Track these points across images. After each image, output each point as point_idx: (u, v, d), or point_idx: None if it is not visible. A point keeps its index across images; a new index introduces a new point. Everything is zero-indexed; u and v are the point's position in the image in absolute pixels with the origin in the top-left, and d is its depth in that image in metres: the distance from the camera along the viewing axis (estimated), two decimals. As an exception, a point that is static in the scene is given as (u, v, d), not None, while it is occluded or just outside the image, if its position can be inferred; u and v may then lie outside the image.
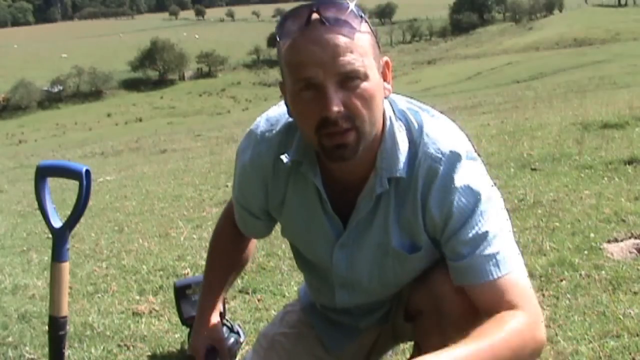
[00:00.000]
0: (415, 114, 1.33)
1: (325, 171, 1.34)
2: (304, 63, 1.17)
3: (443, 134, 1.31)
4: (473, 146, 1.35)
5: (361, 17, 1.20)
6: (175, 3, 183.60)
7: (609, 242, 2.97)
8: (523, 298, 1.26)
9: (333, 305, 1.52)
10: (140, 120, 56.54)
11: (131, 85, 79.27)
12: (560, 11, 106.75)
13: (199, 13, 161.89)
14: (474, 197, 1.27)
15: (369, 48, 1.21)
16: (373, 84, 1.21)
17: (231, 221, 1.61)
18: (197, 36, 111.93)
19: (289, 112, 1.30)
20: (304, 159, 1.34)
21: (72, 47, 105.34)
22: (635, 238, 2.99)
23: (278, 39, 1.22)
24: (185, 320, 2.25)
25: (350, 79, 1.18)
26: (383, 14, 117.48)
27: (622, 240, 2.97)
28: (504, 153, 5.54)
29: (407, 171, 1.29)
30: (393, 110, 1.33)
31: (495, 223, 1.28)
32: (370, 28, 1.23)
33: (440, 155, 1.28)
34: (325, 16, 1.17)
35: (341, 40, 1.17)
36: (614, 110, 7.39)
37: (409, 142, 1.30)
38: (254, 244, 1.73)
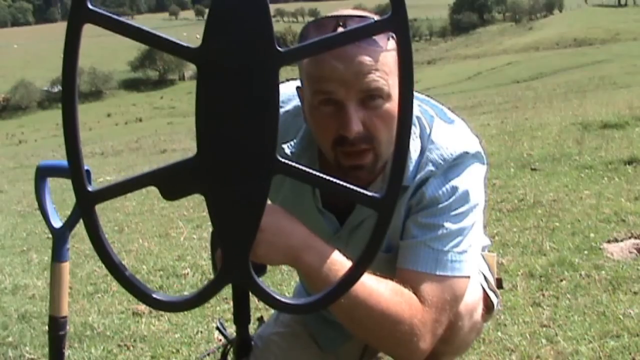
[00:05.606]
0: (430, 119, 1.29)
1: (326, 169, 1.29)
2: (326, 78, 1.13)
3: (449, 140, 1.27)
4: (483, 151, 1.32)
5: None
6: (175, 3, 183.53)
7: (609, 242, 2.97)
8: (437, 306, 1.18)
9: None
10: (140, 120, 56.51)
11: (131, 85, 79.34)
12: (560, 11, 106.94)
13: (199, 13, 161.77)
14: (451, 191, 1.23)
15: (394, 67, 1.12)
16: (395, 104, 1.16)
17: None
18: (197, 36, 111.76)
19: (305, 119, 1.26)
20: (304, 154, 1.31)
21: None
22: (635, 238, 2.99)
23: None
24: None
25: (372, 98, 1.13)
26: (383, 14, 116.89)
27: (622, 240, 2.97)
28: (504, 153, 5.54)
29: (412, 179, 1.26)
30: None
31: (459, 226, 1.23)
32: None
33: (441, 161, 1.25)
34: None
35: (366, 58, 1.11)
36: (614, 110, 7.39)
37: (420, 149, 1.27)
38: None
